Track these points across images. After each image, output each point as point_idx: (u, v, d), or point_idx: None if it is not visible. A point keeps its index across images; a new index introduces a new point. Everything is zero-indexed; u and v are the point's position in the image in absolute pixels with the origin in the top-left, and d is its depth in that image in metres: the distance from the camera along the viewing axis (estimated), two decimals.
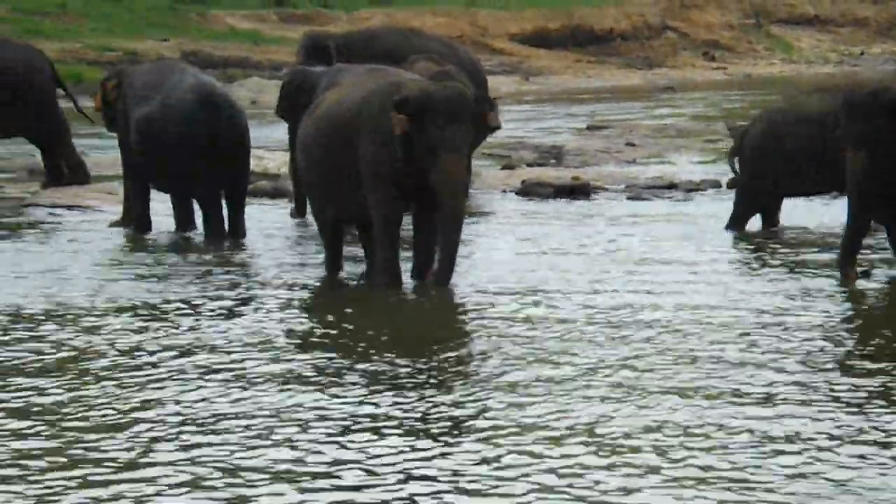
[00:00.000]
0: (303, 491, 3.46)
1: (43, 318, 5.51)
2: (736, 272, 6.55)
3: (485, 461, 3.66)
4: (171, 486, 3.49)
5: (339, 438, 3.89)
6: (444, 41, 11.38)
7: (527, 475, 3.55)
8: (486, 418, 4.08)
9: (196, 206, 7.84)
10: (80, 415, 4.14)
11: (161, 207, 8.02)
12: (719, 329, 5.22)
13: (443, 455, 3.73)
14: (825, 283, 6.20)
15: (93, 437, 3.90)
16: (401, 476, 3.58)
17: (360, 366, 4.73)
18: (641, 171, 10.99)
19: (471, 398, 4.30)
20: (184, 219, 7.92)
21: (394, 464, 3.66)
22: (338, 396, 4.32)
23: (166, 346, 5.03)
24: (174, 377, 4.57)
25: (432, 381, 4.52)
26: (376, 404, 4.20)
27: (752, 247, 7.36)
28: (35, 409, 4.21)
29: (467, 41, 24.37)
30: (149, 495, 3.44)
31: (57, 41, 19.99)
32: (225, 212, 7.68)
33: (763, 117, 7.87)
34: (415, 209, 6.24)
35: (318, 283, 6.39)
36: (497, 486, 3.48)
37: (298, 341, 5.18)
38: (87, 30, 21.93)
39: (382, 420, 4.05)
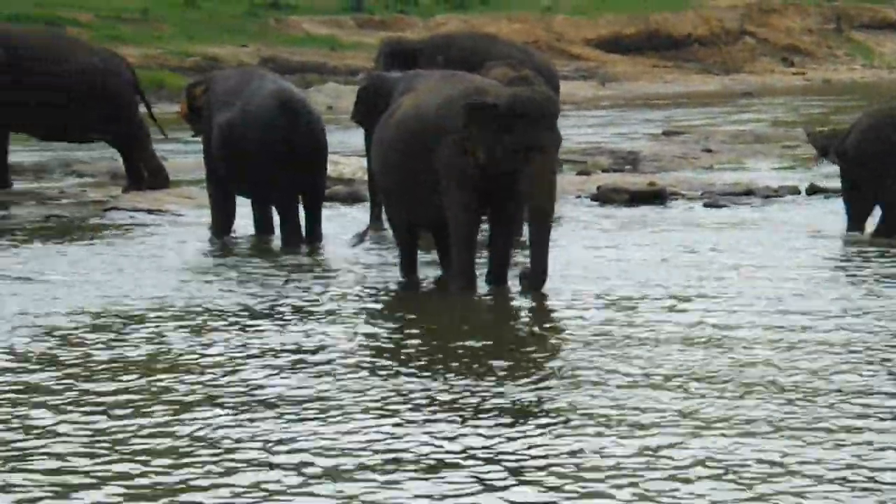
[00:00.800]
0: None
1: (129, 319, 5.60)
2: (826, 281, 6.42)
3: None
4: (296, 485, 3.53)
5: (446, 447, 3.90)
6: (519, 47, 11.37)
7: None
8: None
9: (274, 211, 7.93)
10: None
11: (241, 211, 8.12)
12: (829, 345, 4.94)
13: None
14: None
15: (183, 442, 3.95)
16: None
17: (446, 378, 4.73)
18: (718, 176, 10.88)
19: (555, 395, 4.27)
20: (263, 223, 8.01)
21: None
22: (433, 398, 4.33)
23: (250, 349, 5.08)
24: (261, 378, 4.62)
25: (516, 393, 4.50)
26: (476, 431, 4.16)
27: (838, 254, 7.25)
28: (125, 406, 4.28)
29: (543, 47, 24.33)
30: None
31: (138, 47, 20.33)
32: (302, 217, 7.75)
33: (872, 118, 7.84)
34: (491, 215, 6.25)
35: (393, 287, 6.42)
36: None
37: (373, 346, 5.20)
38: (167, 36, 22.27)
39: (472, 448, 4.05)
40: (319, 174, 7.78)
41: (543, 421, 4.10)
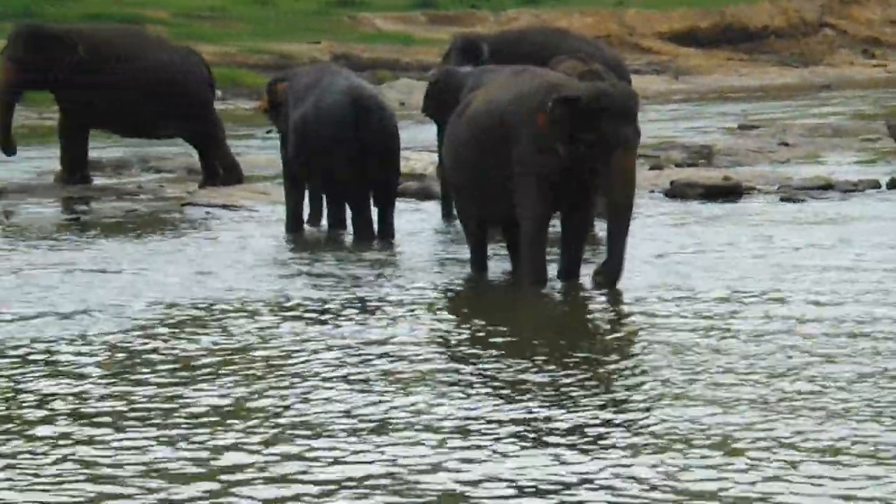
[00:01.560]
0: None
1: (207, 312, 5.67)
2: None
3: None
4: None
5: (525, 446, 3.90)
6: (590, 41, 11.32)
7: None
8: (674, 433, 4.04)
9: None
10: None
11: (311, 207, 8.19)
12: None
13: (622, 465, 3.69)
14: None
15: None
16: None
17: (522, 374, 4.72)
18: (795, 171, 10.73)
19: (642, 408, 4.25)
20: (336, 219, 8.07)
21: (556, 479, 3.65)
22: (508, 402, 4.32)
23: (320, 344, 5.12)
24: (334, 376, 4.66)
25: (597, 390, 4.48)
26: (547, 415, 4.14)
27: None
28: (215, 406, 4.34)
29: (615, 41, 24.16)
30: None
31: (213, 44, 20.55)
32: (374, 212, 7.79)
33: None
34: (565, 210, 6.24)
35: (463, 284, 6.43)
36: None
37: (446, 342, 5.22)
38: (242, 33, 22.49)
39: (549, 432, 4.03)
40: (391, 170, 7.81)
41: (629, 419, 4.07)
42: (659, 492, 3.40)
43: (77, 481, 3.58)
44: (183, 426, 4.04)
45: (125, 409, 4.26)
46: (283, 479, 3.56)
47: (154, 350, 5.03)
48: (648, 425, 3.96)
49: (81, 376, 4.66)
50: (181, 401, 4.33)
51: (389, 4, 27.32)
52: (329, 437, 3.93)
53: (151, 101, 9.88)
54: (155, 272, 6.62)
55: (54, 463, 3.73)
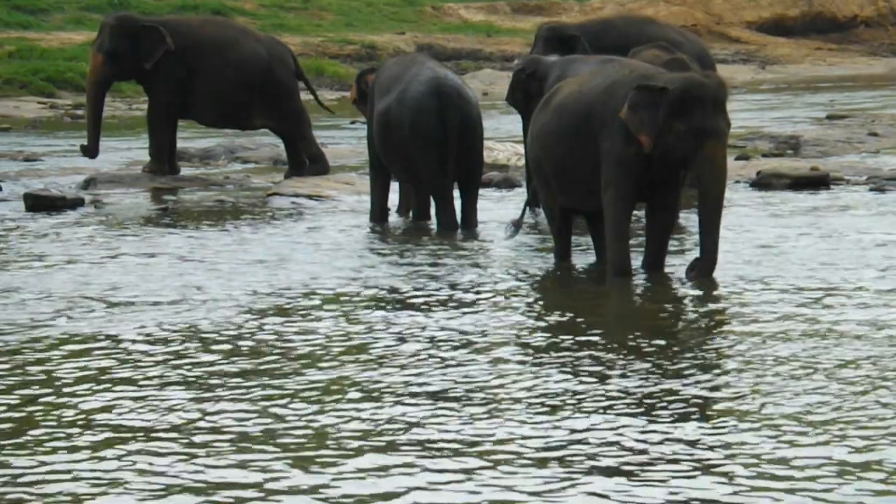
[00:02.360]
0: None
1: (294, 301, 5.74)
2: None
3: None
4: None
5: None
6: (676, 30, 11.21)
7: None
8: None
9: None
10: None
11: (394, 197, 8.24)
12: None
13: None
14: None
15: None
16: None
17: (602, 365, 4.71)
18: (885, 161, 10.52)
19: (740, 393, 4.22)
20: (420, 209, 8.10)
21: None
22: (593, 391, 4.33)
23: (400, 334, 5.16)
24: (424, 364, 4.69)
25: (684, 383, 4.46)
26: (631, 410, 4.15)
27: None
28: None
29: (702, 30, 23.88)
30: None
31: (300, 35, 20.73)
32: (458, 202, 7.80)
33: None
34: (651, 201, 6.20)
35: (547, 274, 6.42)
36: None
37: (528, 333, 5.22)
38: (328, 24, 22.65)
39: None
40: (475, 160, 7.81)
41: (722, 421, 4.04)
42: (768, 479, 3.39)
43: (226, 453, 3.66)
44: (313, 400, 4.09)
45: (261, 387, 4.33)
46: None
47: (275, 334, 5.10)
48: (748, 422, 3.93)
49: (208, 363, 4.74)
50: (300, 380, 4.38)
51: None
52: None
53: (239, 91, 9.99)
54: (241, 262, 6.71)
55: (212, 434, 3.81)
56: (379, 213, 8.15)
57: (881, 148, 11.65)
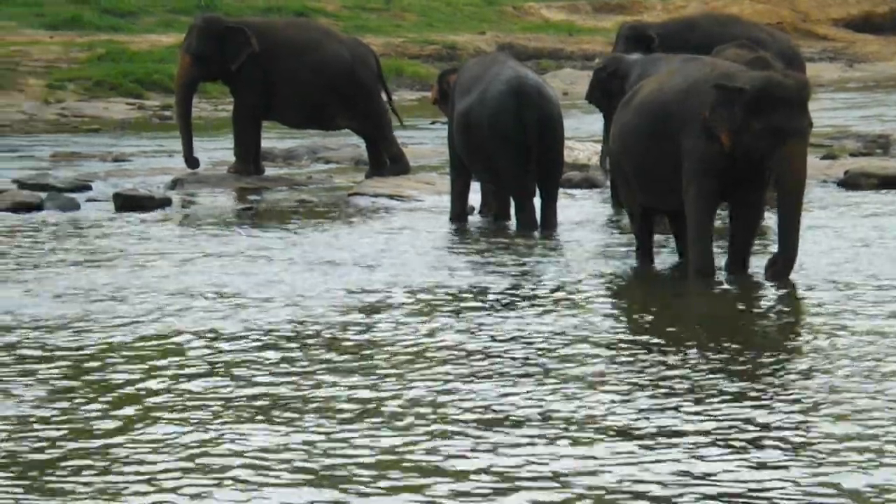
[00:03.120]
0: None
1: (380, 302, 5.79)
2: None
3: None
4: None
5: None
6: (762, 28, 11.07)
7: None
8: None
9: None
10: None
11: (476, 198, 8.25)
12: None
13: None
14: None
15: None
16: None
17: (688, 368, 4.67)
18: None
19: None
20: (500, 209, 8.10)
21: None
22: (675, 395, 4.30)
23: (490, 333, 5.17)
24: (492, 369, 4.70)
25: (776, 387, 4.40)
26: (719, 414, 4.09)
27: None
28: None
29: (788, 28, 23.52)
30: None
31: (381, 36, 20.85)
32: (538, 203, 7.79)
33: None
34: (734, 200, 6.14)
35: (628, 274, 6.38)
36: None
37: (614, 333, 5.20)
38: (409, 25, 22.76)
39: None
40: (555, 160, 7.80)
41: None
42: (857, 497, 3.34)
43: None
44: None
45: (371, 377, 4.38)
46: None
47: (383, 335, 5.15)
48: (832, 429, 3.87)
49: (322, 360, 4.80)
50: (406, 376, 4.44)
51: None
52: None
53: (323, 92, 10.08)
54: (326, 261, 6.77)
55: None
56: (459, 213, 8.18)
57: None
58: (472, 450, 3.75)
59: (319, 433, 3.92)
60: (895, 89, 19.06)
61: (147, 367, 4.71)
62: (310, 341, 5.05)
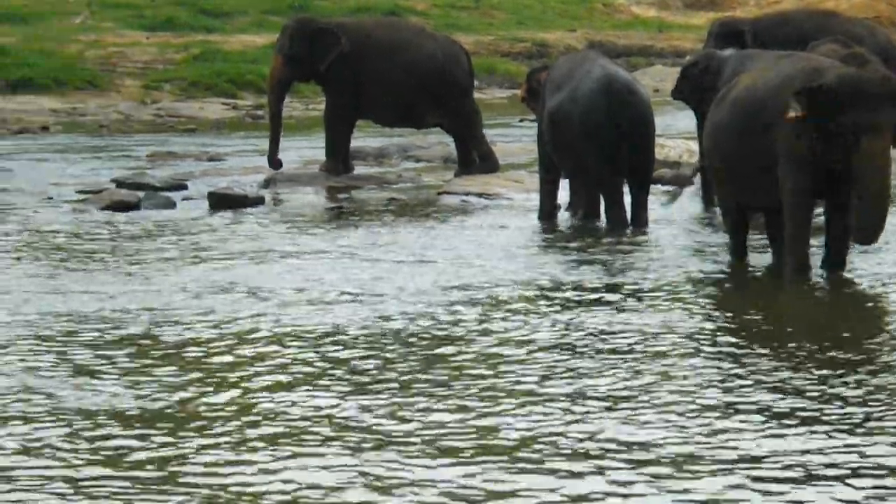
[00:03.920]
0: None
1: (471, 298, 5.81)
2: None
3: None
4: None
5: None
6: (860, 23, 10.86)
7: None
8: None
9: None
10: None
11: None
12: None
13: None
14: None
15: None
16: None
17: (782, 370, 4.62)
18: None
19: None
20: (590, 207, 8.08)
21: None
22: (766, 393, 4.26)
23: (581, 332, 5.16)
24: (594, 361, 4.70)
25: (868, 390, 4.34)
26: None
27: None
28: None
29: (885, 22, 23.04)
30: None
31: (472, 34, 20.89)
32: (628, 200, 7.75)
33: None
34: (830, 198, 6.06)
35: (721, 272, 6.32)
36: None
37: (709, 333, 5.16)
38: (499, 22, 22.77)
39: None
40: (646, 157, 7.75)
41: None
42: None
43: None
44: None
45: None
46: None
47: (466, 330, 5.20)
48: None
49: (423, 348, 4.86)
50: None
51: None
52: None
53: (416, 91, 10.14)
54: (417, 258, 6.81)
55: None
56: (548, 211, 8.17)
57: None
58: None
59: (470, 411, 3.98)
60: None
61: (288, 360, 4.77)
62: (432, 332, 5.07)
